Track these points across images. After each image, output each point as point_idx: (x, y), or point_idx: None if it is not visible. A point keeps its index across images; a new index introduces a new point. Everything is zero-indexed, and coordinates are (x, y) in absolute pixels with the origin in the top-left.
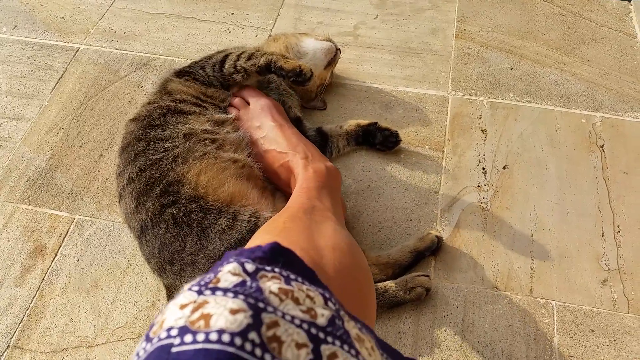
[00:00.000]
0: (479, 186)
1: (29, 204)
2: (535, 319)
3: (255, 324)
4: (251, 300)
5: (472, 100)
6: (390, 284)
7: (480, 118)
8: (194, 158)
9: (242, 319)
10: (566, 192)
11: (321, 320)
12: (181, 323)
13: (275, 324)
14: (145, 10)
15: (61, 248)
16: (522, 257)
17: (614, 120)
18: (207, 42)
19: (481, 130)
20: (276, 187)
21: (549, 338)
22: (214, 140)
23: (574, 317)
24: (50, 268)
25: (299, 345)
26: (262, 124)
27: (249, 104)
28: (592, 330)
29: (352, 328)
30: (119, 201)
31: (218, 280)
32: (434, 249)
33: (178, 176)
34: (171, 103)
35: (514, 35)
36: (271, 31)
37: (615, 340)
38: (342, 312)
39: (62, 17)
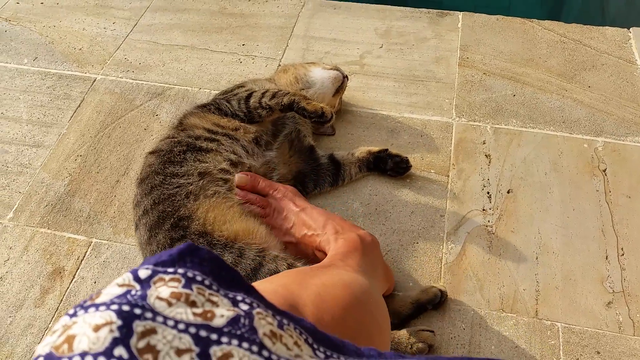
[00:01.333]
0: (484, 210)
1: (48, 228)
2: (541, 341)
3: (124, 336)
4: (125, 308)
5: (476, 126)
6: (393, 335)
7: (484, 143)
8: (204, 196)
9: (106, 335)
10: (570, 216)
11: (218, 321)
12: (47, 350)
13: (150, 332)
14: (160, 42)
15: (79, 270)
16: (528, 279)
17: (615, 144)
18: (219, 72)
19: (485, 155)
20: None
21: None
22: (226, 180)
23: (579, 339)
24: (68, 290)
25: (181, 352)
26: (287, 213)
27: (265, 196)
28: (598, 352)
29: (266, 325)
30: (135, 230)
31: (98, 296)
32: (437, 303)
33: (189, 212)
34: (189, 139)
35: (516, 62)
36: (280, 61)
37: None
38: (256, 311)
39: (80, 49)
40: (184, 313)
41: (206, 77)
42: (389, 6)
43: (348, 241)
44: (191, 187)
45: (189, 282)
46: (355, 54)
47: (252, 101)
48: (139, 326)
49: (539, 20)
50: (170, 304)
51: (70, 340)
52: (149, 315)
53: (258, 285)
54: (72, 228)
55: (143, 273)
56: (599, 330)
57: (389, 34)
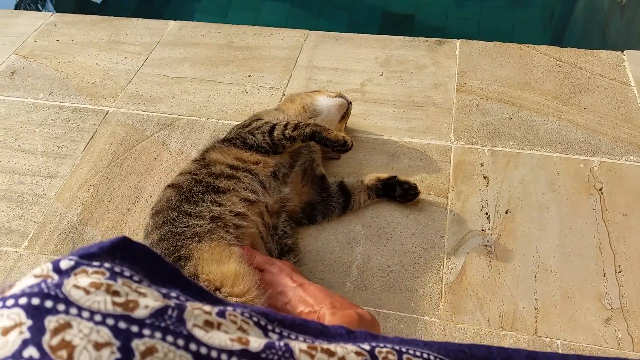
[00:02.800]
0: (482, 230)
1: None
2: None
3: (35, 335)
4: (35, 302)
5: (474, 149)
6: None
7: (482, 165)
8: (208, 239)
9: (15, 338)
10: (567, 234)
11: (141, 313)
12: None
13: (64, 327)
14: (170, 75)
15: None
16: (527, 297)
17: (611, 164)
18: (226, 102)
19: (483, 177)
20: None
21: None
22: (238, 227)
23: None
24: None
25: (99, 345)
26: (283, 289)
27: (262, 270)
28: None
29: (200, 315)
30: None
31: (11, 288)
32: None
33: (189, 253)
34: (209, 179)
35: (513, 86)
36: (284, 90)
37: None
38: (190, 303)
39: (93, 83)
40: (102, 302)
41: (214, 107)
42: (389, 36)
43: (345, 316)
44: (199, 229)
45: (114, 276)
46: (356, 82)
47: (276, 133)
48: (51, 322)
49: (535, 45)
50: (87, 292)
51: None
52: (61, 307)
53: None
54: None
55: (65, 264)
56: (598, 347)
57: (389, 63)
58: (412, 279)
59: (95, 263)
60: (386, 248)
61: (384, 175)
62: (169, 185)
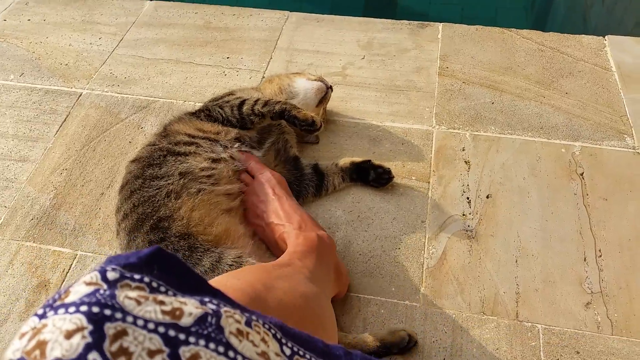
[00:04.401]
0: (464, 215)
1: (34, 242)
2: (522, 342)
3: (96, 340)
4: (95, 310)
5: (455, 134)
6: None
7: (464, 150)
8: (187, 194)
9: (79, 342)
10: (548, 219)
11: (186, 321)
12: (18, 355)
13: (121, 334)
14: (145, 56)
15: (64, 283)
16: (507, 282)
17: (592, 149)
18: (204, 84)
19: (465, 161)
20: None
21: None
22: (210, 175)
23: (559, 339)
24: None
25: (152, 353)
26: (265, 197)
27: (253, 177)
28: (578, 352)
29: (233, 323)
30: (116, 236)
31: (67, 295)
32: (403, 348)
33: (169, 211)
34: (169, 146)
35: (495, 71)
36: (264, 73)
37: None
38: (224, 309)
39: (66, 64)
40: (153, 311)
41: (191, 89)
42: (371, 19)
43: (307, 240)
44: (172, 186)
45: (153, 292)
46: (337, 65)
47: (245, 108)
48: (110, 329)
49: (518, 30)
50: (139, 303)
51: (42, 346)
52: (119, 315)
53: (225, 280)
54: (57, 241)
55: (111, 275)
56: (578, 331)
57: (371, 46)
58: (393, 264)
59: (136, 276)
60: (367, 233)
61: (358, 159)
62: (130, 161)
